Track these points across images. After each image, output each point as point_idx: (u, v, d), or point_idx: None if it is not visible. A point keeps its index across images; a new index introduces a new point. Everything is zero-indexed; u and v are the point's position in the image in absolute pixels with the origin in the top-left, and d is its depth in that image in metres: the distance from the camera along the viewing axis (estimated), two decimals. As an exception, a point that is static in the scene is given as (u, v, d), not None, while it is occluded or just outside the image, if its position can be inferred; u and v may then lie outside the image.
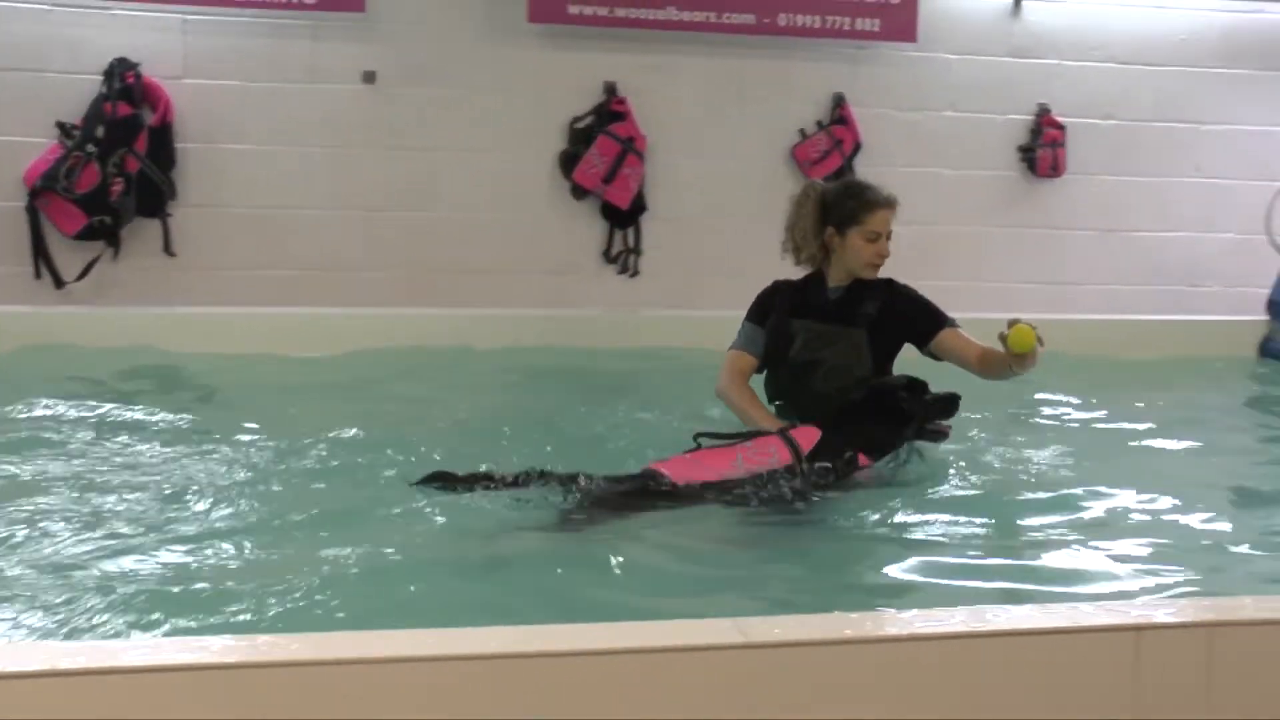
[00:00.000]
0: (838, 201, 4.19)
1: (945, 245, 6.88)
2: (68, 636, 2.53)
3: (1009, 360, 3.75)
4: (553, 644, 2.14)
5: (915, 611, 2.42)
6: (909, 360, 4.10)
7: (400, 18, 6.31)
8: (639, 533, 3.31)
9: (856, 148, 6.73)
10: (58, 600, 2.69)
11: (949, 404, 3.95)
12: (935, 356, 4.14)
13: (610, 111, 6.47)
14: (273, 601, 2.70)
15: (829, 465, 3.77)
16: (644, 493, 3.61)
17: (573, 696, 2.10)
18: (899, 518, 3.50)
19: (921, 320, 4.14)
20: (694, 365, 5.19)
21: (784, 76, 6.69)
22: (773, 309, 4.27)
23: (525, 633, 2.19)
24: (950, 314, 4.11)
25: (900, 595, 3.02)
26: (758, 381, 4.29)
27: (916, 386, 3.94)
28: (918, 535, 3.39)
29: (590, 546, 3.19)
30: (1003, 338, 3.71)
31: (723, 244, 6.70)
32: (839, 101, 6.70)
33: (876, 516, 3.49)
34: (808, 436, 3.84)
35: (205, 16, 6.12)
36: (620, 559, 3.05)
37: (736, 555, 3.31)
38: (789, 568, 3.18)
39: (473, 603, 2.81)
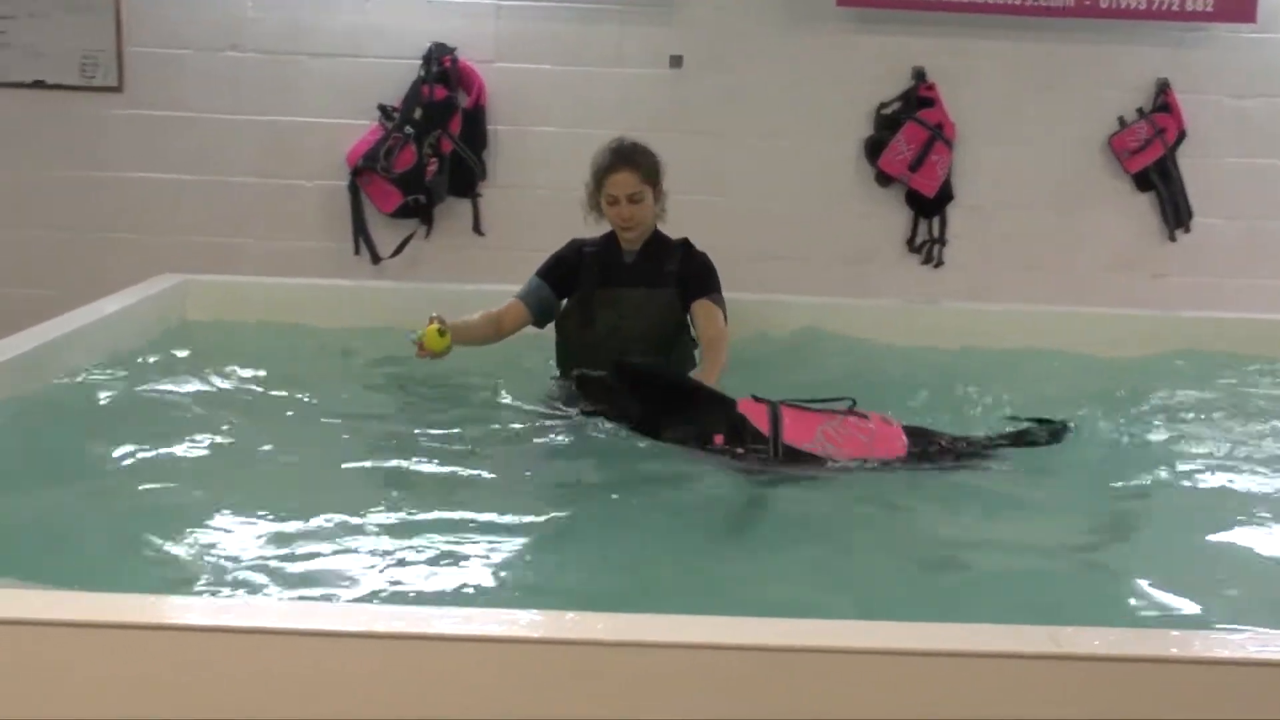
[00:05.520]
0: (593, 163, 4.28)
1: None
2: (388, 600, 2.58)
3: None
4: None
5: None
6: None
7: (707, 3, 6.29)
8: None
9: (1180, 136, 6.34)
10: (376, 565, 2.76)
11: None
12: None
13: (919, 97, 6.28)
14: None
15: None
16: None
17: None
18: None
19: (695, 282, 4.23)
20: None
21: (1101, 61, 6.34)
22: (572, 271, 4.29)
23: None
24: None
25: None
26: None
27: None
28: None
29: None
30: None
31: (1026, 236, 6.45)
32: (1163, 87, 6.31)
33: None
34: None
35: (517, 2, 6.25)
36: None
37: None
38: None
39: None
